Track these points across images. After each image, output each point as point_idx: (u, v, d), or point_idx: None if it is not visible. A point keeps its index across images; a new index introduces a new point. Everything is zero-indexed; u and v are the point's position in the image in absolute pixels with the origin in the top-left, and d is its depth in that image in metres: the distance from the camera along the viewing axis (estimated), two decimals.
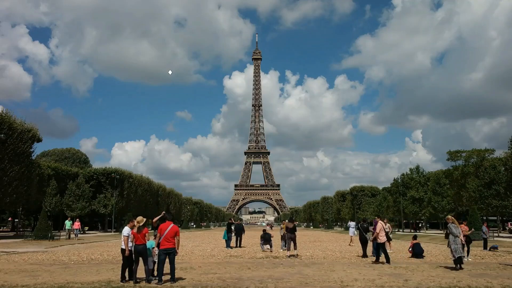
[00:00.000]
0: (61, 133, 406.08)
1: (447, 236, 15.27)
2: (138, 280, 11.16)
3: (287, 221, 20.38)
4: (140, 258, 11.21)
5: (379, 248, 16.70)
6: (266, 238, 23.59)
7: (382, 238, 16.08)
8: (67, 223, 35.00)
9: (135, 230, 11.08)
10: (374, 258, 17.13)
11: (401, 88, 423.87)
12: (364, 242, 18.78)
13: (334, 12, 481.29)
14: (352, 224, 30.58)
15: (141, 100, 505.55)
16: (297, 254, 19.15)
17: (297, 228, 20.65)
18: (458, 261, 14.27)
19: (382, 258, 16.39)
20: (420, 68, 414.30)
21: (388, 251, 21.86)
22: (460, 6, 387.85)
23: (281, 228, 23.54)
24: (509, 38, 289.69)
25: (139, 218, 11.35)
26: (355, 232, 29.43)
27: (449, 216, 15.56)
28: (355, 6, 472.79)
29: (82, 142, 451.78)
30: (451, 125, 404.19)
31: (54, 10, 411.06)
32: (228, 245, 24.20)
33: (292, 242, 19.16)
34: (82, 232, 49.50)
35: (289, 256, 18.82)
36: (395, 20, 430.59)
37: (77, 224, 35.31)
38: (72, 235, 34.80)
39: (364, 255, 18.53)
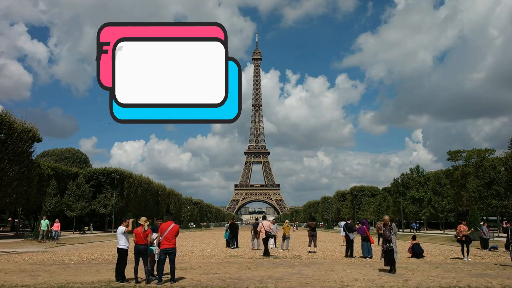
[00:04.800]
0: (61, 133, 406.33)
1: (383, 237, 13.55)
2: (138, 280, 11.18)
3: (309, 220, 22.68)
4: (140, 258, 11.22)
5: (369, 247, 18.74)
6: (256, 232, 21.68)
7: (262, 235, 19.20)
8: (43, 223, 29.72)
9: (139, 229, 11.07)
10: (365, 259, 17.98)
11: (401, 87, 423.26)
12: (349, 242, 19.16)
13: (337, 10, 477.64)
14: (343, 224, 30.81)
15: None
16: (315, 251, 20.91)
17: (298, 227, 22.00)
18: (394, 265, 13.39)
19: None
20: (421, 67, 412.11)
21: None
22: (463, 3, 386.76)
23: (283, 228, 23.46)
24: (511, 36, 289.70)
25: (143, 218, 11.33)
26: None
27: (387, 217, 13.85)
28: (358, 4, 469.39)
29: (82, 142, 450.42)
30: (452, 125, 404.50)
31: (52, 8, 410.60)
32: (231, 245, 24.75)
33: (313, 239, 20.91)
34: (85, 232, 49.50)
35: (309, 252, 20.66)
36: (397, 18, 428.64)
37: (56, 226, 30.40)
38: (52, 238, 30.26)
39: (351, 255, 18.70)
